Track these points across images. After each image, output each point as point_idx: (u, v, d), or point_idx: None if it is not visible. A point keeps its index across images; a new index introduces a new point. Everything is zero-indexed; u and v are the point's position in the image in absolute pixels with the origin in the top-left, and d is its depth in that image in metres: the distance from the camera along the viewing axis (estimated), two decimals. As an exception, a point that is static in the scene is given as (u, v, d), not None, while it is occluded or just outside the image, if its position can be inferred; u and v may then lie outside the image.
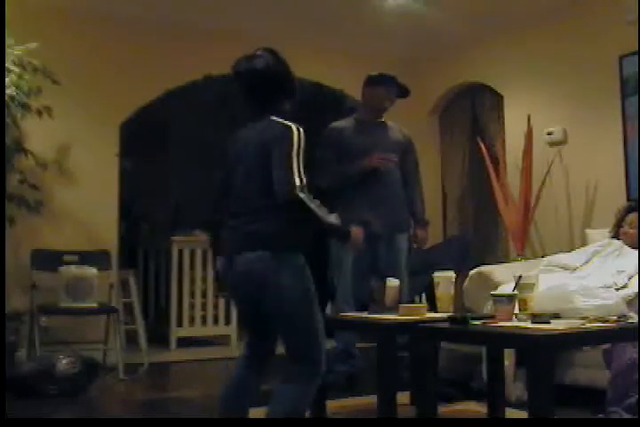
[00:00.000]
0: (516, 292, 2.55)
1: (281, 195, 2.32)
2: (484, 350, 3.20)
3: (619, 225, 3.71)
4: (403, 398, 3.13)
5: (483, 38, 5.56)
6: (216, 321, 6.10)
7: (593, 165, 4.83)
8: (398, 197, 4.10)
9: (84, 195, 4.96)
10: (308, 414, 2.60)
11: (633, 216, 3.66)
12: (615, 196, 4.55)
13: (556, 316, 2.48)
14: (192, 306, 6.03)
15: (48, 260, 4.62)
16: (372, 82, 4.12)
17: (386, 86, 4.09)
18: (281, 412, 2.35)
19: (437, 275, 3.11)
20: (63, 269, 4.59)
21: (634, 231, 3.62)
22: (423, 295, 4.48)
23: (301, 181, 2.31)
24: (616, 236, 3.70)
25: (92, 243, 4.95)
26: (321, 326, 2.43)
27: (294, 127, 2.39)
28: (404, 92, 4.14)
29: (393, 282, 3.14)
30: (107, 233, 5.08)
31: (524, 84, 5.39)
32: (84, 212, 4.95)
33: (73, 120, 4.92)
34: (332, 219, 2.37)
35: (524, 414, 2.40)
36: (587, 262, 3.60)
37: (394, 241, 4.06)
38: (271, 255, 2.36)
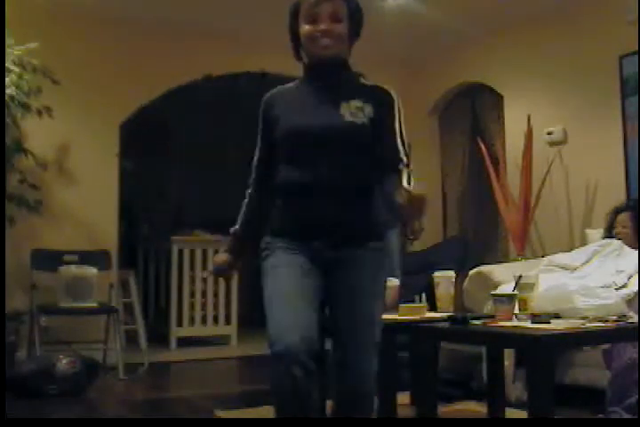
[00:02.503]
0: (516, 292, 2.54)
1: None
2: (484, 350, 3.20)
3: (610, 229, 3.73)
4: (403, 398, 3.13)
5: (483, 38, 5.56)
6: (216, 321, 6.11)
7: (593, 165, 4.83)
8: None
9: (84, 195, 4.96)
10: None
11: (623, 215, 3.69)
12: (615, 196, 4.54)
13: (556, 316, 2.48)
14: (192, 306, 6.03)
15: (48, 260, 4.62)
16: None
17: None
18: None
19: (437, 275, 3.11)
20: (63, 269, 4.59)
21: (626, 230, 3.64)
22: (423, 295, 4.47)
23: None
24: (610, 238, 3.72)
25: (92, 243, 4.95)
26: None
27: None
28: None
29: (393, 282, 3.14)
30: (107, 233, 5.08)
31: (524, 84, 5.39)
32: (83, 212, 4.95)
33: (73, 120, 4.92)
34: None
35: (523, 414, 2.40)
36: (587, 262, 3.60)
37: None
38: None
